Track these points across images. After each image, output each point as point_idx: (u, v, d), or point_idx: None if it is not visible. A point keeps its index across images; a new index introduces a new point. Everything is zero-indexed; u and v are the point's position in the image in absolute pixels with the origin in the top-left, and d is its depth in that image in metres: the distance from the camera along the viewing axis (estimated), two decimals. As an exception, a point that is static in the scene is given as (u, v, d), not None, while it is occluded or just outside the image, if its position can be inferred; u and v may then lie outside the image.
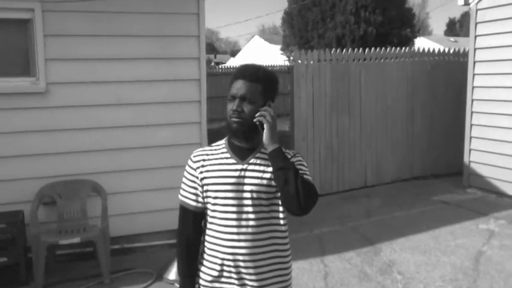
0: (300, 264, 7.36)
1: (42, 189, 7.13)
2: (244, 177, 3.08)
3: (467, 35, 12.55)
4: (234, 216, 3.07)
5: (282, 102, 20.94)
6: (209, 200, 3.14)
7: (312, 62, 11.16)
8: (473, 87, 11.46)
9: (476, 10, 11.21)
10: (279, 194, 3.01)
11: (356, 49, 12.09)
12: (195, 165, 3.18)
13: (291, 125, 11.37)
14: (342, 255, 7.81)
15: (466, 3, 11.38)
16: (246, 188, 3.06)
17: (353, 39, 21.17)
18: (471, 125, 11.58)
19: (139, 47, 7.63)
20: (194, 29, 7.87)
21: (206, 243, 3.18)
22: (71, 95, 7.35)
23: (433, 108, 12.98)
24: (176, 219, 3.27)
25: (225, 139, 3.25)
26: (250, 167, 3.09)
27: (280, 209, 3.15)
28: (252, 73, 3.09)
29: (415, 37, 24.67)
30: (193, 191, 3.19)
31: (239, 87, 3.05)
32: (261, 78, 3.08)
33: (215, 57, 67.93)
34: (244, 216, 3.07)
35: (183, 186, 3.24)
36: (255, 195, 3.06)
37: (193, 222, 3.21)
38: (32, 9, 7.06)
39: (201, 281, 3.21)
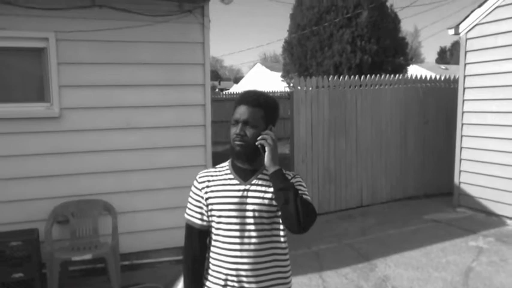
0: (299, 280, 7.34)
1: (56, 209, 7.14)
2: (246, 197, 3.09)
3: (457, 62, 12.62)
4: (237, 234, 3.08)
5: (282, 126, 20.93)
6: (214, 218, 3.15)
7: (310, 89, 11.18)
8: (463, 112, 11.47)
9: (466, 39, 11.26)
10: (280, 213, 3.01)
11: (352, 76, 12.11)
12: (200, 186, 3.19)
13: (290, 148, 11.37)
14: (339, 271, 7.79)
15: (456, 33, 11.42)
16: (249, 207, 3.08)
17: (349, 66, 21.17)
18: (461, 147, 11.58)
19: (148, 74, 7.66)
20: (199, 57, 7.90)
21: (211, 259, 3.19)
22: (83, 120, 7.37)
23: (425, 132, 12.99)
24: (182, 237, 3.28)
25: (228, 161, 3.27)
26: (253, 188, 3.11)
27: (281, 227, 3.15)
28: (254, 99, 3.11)
29: (408, 65, 24.65)
30: (198, 210, 3.20)
31: (242, 112, 3.07)
32: (262, 104, 3.10)
33: (219, 83, 68.13)
34: (246, 234, 3.08)
35: (189, 205, 3.25)
36: (257, 214, 3.07)
37: (198, 239, 3.22)
38: (46, 38, 7.11)
39: (205, 296, 3.22)
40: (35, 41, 7.16)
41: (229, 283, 3.11)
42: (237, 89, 51.09)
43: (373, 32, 21.34)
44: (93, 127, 7.44)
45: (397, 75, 12.74)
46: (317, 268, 7.95)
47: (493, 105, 10.71)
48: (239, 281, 3.09)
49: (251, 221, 3.08)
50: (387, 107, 12.35)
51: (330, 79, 11.54)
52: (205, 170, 3.29)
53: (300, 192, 2.99)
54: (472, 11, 11.02)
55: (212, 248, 3.19)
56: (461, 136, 11.57)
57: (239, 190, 3.11)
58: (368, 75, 12.22)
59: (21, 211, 7.15)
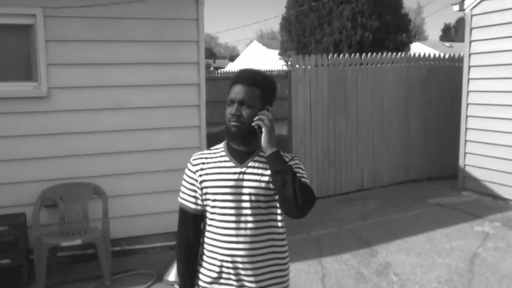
0: (297, 266, 7.36)
1: (44, 192, 7.12)
2: (242, 180, 3.08)
3: (462, 40, 12.55)
4: (232, 218, 3.07)
5: (280, 107, 20.89)
6: (208, 202, 3.14)
7: (309, 67, 11.17)
8: (468, 92, 11.46)
9: (471, 16, 11.22)
10: (277, 197, 3.01)
11: (353, 54, 12.07)
12: (194, 169, 3.18)
13: (288, 129, 11.37)
14: (339, 257, 7.81)
15: (461, 9, 11.38)
16: (245, 191, 3.06)
17: (350, 44, 21.17)
18: (466, 128, 11.58)
19: (140, 52, 7.63)
20: (193, 34, 7.87)
21: (205, 245, 3.18)
22: (72, 99, 7.35)
23: (429, 112, 12.99)
24: (176, 222, 3.28)
25: (223, 143, 3.25)
26: (249, 170, 3.09)
27: (278, 211, 3.15)
28: (251, 78, 3.09)
29: (411, 42, 24.67)
30: (192, 193, 3.19)
31: (238, 91, 3.05)
32: (259, 83, 3.09)
33: (214, 62, 68.05)
34: (242, 218, 3.07)
35: (182, 189, 3.25)
36: (253, 198, 3.06)
37: (192, 224, 3.21)
38: (33, 14, 7.07)
39: (200, 283, 3.21)
40: (22, 18, 7.11)
41: (224, 269, 3.10)
42: (232, 67, 50.99)
43: (375, 8, 21.35)
44: (82, 107, 7.41)
45: (400, 53, 12.72)
46: (316, 254, 7.97)
47: (499, 84, 10.70)
48: (235, 268, 3.08)
49: (247, 205, 3.07)
50: (389, 87, 12.33)
51: (329, 57, 11.52)
52: (200, 152, 3.28)
53: (298, 175, 2.97)
54: (478, -14, 11.01)
55: (207, 233, 3.18)
56: (466, 116, 11.56)
57: (235, 173, 3.09)
58: (369, 53, 12.19)
59: (7, 195, 7.12)
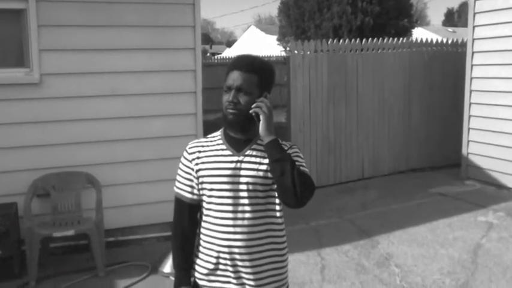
0: (296, 257, 7.37)
1: (36, 181, 7.12)
2: (240, 169, 3.07)
3: (465, 25, 12.56)
4: (229, 208, 3.07)
5: (278, 93, 20.87)
6: (205, 192, 3.14)
7: (308, 53, 11.15)
8: (471, 78, 11.46)
9: (475, 0, 11.20)
10: (275, 186, 3.01)
11: (353, 39, 12.05)
12: (190, 157, 3.18)
13: (287, 116, 11.37)
14: (339, 248, 7.82)
15: (465, -7, 11.37)
16: (242, 180, 3.06)
17: (350, 29, 21.14)
18: (469, 116, 11.58)
19: (134, 37, 7.61)
20: (189, 19, 7.85)
21: (202, 236, 3.19)
22: (64, 86, 7.33)
23: (431, 100, 12.97)
24: (171, 212, 3.28)
25: (220, 130, 3.25)
26: (246, 159, 3.09)
27: (277, 201, 3.14)
28: (248, 64, 3.08)
29: (413, 27, 24.64)
30: (188, 183, 3.19)
31: (235, 78, 3.04)
32: (257, 69, 3.08)
33: (211, 47, 67.99)
34: (240, 208, 3.07)
35: (178, 178, 3.24)
36: (251, 187, 3.06)
37: (188, 214, 3.22)
38: (25, -2, 7.05)
39: (196, 274, 3.21)
40: (14, 2, 7.07)
41: (221, 261, 3.10)
42: (229, 53, 50.97)
43: (376, -9, 21.30)
44: (75, 94, 7.39)
45: (401, 39, 12.72)
46: (316, 245, 7.98)
47: (503, 70, 10.69)
48: (232, 259, 3.08)
49: (245, 194, 3.07)
50: (390, 73, 12.32)
51: (329, 43, 11.49)
52: (196, 140, 3.28)
53: (297, 163, 2.97)
54: (482, -31, 10.98)
55: (203, 224, 3.18)
56: (470, 104, 11.56)
57: (232, 161, 3.09)
58: (370, 39, 12.17)
59: (-2, 184, 7.14)
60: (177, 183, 3.25)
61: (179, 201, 3.24)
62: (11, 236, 6.62)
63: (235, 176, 3.07)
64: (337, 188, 11.47)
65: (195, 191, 3.18)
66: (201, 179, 3.13)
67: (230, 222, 3.06)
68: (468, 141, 11.68)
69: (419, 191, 10.99)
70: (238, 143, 3.14)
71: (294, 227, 8.52)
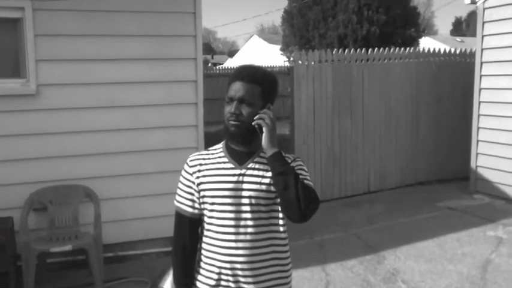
0: (300, 273, 7.36)
1: (33, 195, 7.11)
2: (242, 182, 3.07)
3: (474, 34, 12.55)
4: (232, 223, 3.06)
5: (281, 105, 20.92)
6: (206, 206, 3.13)
7: (312, 63, 11.16)
8: (480, 89, 11.46)
9: (484, 9, 11.22)
10: (279, 200, 3.00)
11: (359, 49, 12.08)
12: (191, 170, 3.18)
13: (291, 128, 11.37)
14: (344, 263, 7.81)
15: (473, 2, 11.38)
16: (244, 193, 3.06)
17: (355, 39, 21.19)
18: (478, 128, 11.57)
19: (134, 47, 7.62)
20: (190, 28, 7.86)
21: (203, 251, 3.18)
22: (62, 97, 7.33)
23: (439, 111, 12.97)
24: (172, 226, 3.27)
25: (222, 143, 3.25)
26: (249, 172, 3.09)
27: (280, 215, 3.14)
28: (251, 74, 3.08)
29: (420, 37, 24.69)
30: (189, 196, 3.19)
31: (237, 89, 3.04)
32: (259, 80, 3.08)
33: (212, 57, 68.17)
34: (242, 223, 3.06)
35: (178, 191, 3.24)
36: (253, 201, 3.06)
37: (189, 229, 3.21)
38: (22, 8, 7.04)
39: (197, 290, 3.21)
40: (10, 11, 7.09)
41: (223, 277, 3.10)
42: (231, 63, 51.06)
43: (382, 0, 21.34)
44: (73, 105, 7.39)
45: (408, 49, 12.74)
46: (320, 260, 7.97)
47: (513, 81, 10.68)
48: (234, 275, 3.07)
49: (247, 208, 3.07)
50: (397, 83, 12.32)
51: (333, 52, 11.52)
52: (197, 153, 3.27)
53: (301, 177, 2.96)
54: (490, -22, 11.00)
55: (204, 239, 3.18)
56: (478, 115, 11.56)
57: (234, 175, 3.09)
58: (376, 49, 12.18)
59: (-7, 198, 7.13)
60: (177, 197, 3.25)
61: (180, 216, 3.23)
62: (7, 251, 6.60)
63: (237, 190, 3.06)
64: (342, 201, 11.45)
65: (196, 205, 3.18)
66: (202, 193, 3.13)
67: (232, 237, 3.06)
68: (477, 154, 11.66)
69: (427, 204, 10.97)
70: (240, 156, 3.13)
71: (297, 242, 8.51)
